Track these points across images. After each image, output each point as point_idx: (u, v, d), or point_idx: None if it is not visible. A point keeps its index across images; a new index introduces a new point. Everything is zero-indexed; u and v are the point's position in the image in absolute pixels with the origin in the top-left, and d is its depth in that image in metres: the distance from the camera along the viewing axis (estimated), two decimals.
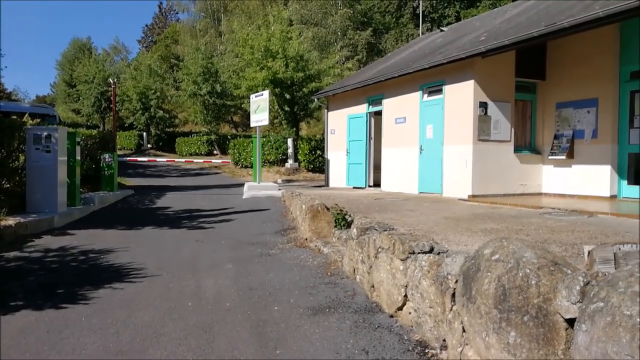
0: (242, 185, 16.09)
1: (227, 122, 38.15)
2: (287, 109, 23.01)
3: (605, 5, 7.55)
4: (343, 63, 30.45)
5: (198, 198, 14.07)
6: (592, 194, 10.23)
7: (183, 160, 27.62)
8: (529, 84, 11.34)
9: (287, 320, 4.25)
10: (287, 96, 21.98)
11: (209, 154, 31.48)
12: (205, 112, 29.62)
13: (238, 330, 4.04)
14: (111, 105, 33.36)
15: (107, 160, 13.62)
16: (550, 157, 11.09)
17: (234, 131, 38.63)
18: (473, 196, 10.32)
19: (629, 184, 10.01)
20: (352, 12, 36.19)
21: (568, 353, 2.67)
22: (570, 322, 2.64)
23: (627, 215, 7.22)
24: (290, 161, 22.75)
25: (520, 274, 2.86)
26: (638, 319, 2.07)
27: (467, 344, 3.28)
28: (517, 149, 11.10)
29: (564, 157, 10.73)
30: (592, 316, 2.29)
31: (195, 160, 26.63)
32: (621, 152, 10.03)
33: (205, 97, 28.55)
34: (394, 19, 37.92)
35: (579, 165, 10.60)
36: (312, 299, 4.81)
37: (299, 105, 23.01)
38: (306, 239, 7.55)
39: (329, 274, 5.73)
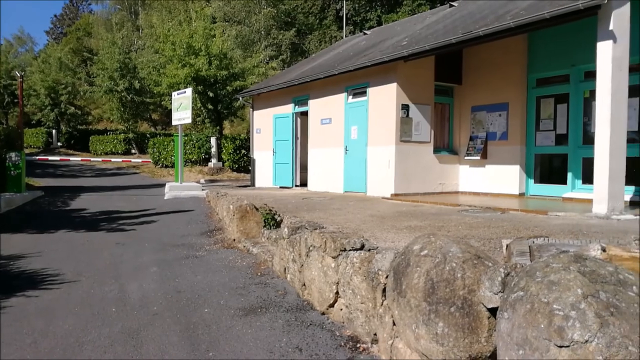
0: (163, 185, 15.56)
1: (145, 120, 36.66)
2: (210, 107, 22.53)
3: (516, 16, 8.12)
4: (267, 62, 30.34)
5: (116, 199, 13.42)
6: (504, 192, 10.97)
7: (99, 159, 26.16)
8: (447, 88, 11.93)
9: (219, 322, 4.19)
10: (211, 94, 21.54)
11: (127, 153, 30.08)
12: (122, 109, 28.26)
13: (167, 334, 3.92)
14: (15, 100, 30.95)
15: (13, 159, 12.62)
16: (466, 158, 11.75)
17: (153, 129, 37.18)
18: (396, 195, 10.69)
19: (535, 182, 10.84)
20: (275, 11, 36.14)
21: (490, 340, 2.86)
22: (492, 311, 2.83)
23: (534, 212, 7.82)
24: (213, 160, 22.30)
25: (447, 268, 3.02)
26: (554, 306, 2.26)
27: (397, 337, 3.41)
28: (437, 150, 11.64)
29: (478, 158, 11.41)
30: (513, 304, 2.47)
31: (112, 160, 25.33)
32: (529, 153, 10.84)
33: (122, 94, 27.23)
34: (318, 21, 38.36)
35: (492, 165, 11.31)
36: (243, 299, 4.78)
37: (222, 103, 22.62)
38: (234, 240, 7.46)
39: (259, 274, 5.71)
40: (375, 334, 3.68)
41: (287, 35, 35.74)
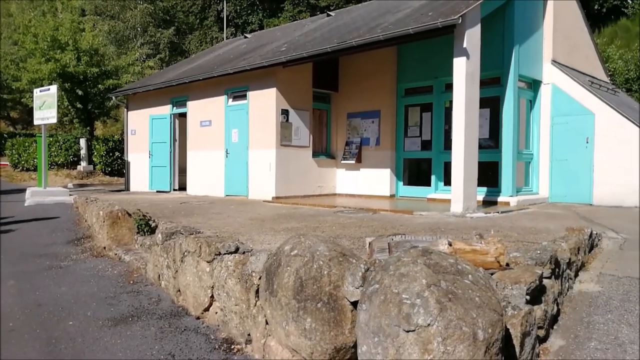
0: (23, 191, 14.15)
1: (3, 118, 32.99)
2: (79, 106, 20.98)
3: (385, 30, 8.74)
4: (144, 61, 28.99)
5: None
6: (377, 193, 11.68)
7: None
8: (324, 94, 12.41)
9: (85, 334, 3.97)
10: (80, 92, 20.08)
11: None
12: None
13: (25, 351, 3.64)
14: None
15: None
16: (342, 162, 12.31)
17: (12, 129, 33.56)
18: (277, 198, 10.87)
19: (404, 184, 11.70)
20: (153, 8, 34.64)
21: (353, 331, 3.09)
22: (355, 304, 3.06)
23: (402, 212, 8.46)
24: (83, 163, 20.75)
25: (315, 266, 3.20)
26: (403, 295, 2.53)
27: (270, 335, 3.53)
28: (315, 154, 12.04)
29: (353, 162, 12.03)
30: (370, 297, 2.70)
31: None
32: (398, 158, 11.67)
33: None
34: (198, 20, 37.48)
35: (366, 168, 11.99)
36: (113, 309, 4.57)
37: (93, 102, 21.17)
38: (104, 248, 7.07)
39: (131, 282, 5.49)
40: (249, 334, 3.76)
41: (166, 33, 34.45)
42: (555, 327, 3.76)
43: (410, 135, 11.58)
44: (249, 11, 34.81)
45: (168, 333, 3.99)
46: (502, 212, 8.18)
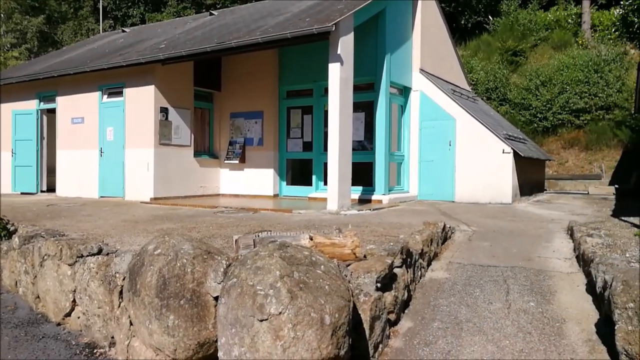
0: None
1: None
2: None
3: (265, 33, 8.91)
4: (8, 50, 26.31)
5: None
6: (260, 193, 11.82)
7: None
8: (206, 93, 12.27)
9: None
10: None
11: None
12: None
13: None
14: None
15: None
16: (226, 162, 12.27)
17: None
18: (155, 199, 10.54)
19: (287, 184, 11.98)
20: None
21: (217, 326, 3.19)
22: (218, 299, 3.17)
23: (282, 210, 8.68)
24: None
25: (179, 264, 3.26)
26: (258, 287, 2.69)
27: (134, 336, 3.51)
28: (197, 154, 11.86)
29: (237, 162, 12.05)
30: (228, 290, 2.83)
31: None
32: (281, 158, 11.92)
33: None
34: (73, 10, 34.81)
35: (250, 169, 12.07)
36: None
37: None
38: None
39: None
40: (112, 337, 3.69)
41: (35, 22, 31.51)
42: (406, 311, 4.18)
43: (292, 136, 11.88)
44: (130, 3, 33.10)
45: (24, 342, 3.78)
46: (374, 210, 8.75)
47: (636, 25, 18.28)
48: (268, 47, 9.14)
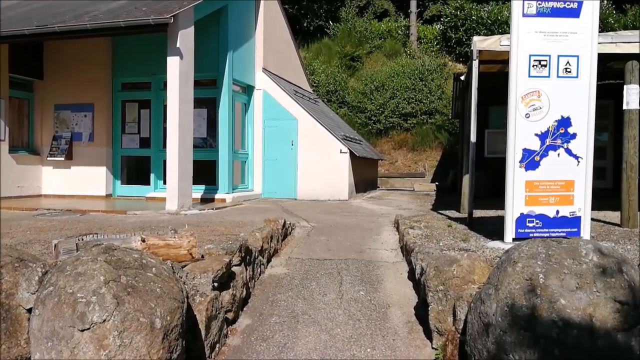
0: None
1: None
2: None
3: (94, 19, 8.18)
4: None
5: None
6: (91, 193, 10.83)
7: None
8: (25, 81, 10.88)
9: None
10: None
11: None
12: None
13: None
14: None
15: None
16: (49, 159, 11.01)
17: None
18: None
19: (122, 183, 11.18)
20: None
21: (29, 341, 2.85)
22: (32, 311, 2.83)
23: (115, 212, 8.09)
24: None
25: None
26: (78, 294, 2.46)
27: None
28: (14, 149, 10.45)
29: (63, 159, 10.89)
30: (43, 300, 2.54)
31: None
32: (115, 155, 11.08)
33: None
34: None
35: (78, 166, 10.99)
36: None
37: None
38: None
39: None
40: None
41: None
42: (245, 308, 4.20)
43: (128, 131, 11.12)
44: None
45: None
46: (216, 209, 8.62)
47: (453, 40, 20.89)
48: (98, 34, 8.44)
